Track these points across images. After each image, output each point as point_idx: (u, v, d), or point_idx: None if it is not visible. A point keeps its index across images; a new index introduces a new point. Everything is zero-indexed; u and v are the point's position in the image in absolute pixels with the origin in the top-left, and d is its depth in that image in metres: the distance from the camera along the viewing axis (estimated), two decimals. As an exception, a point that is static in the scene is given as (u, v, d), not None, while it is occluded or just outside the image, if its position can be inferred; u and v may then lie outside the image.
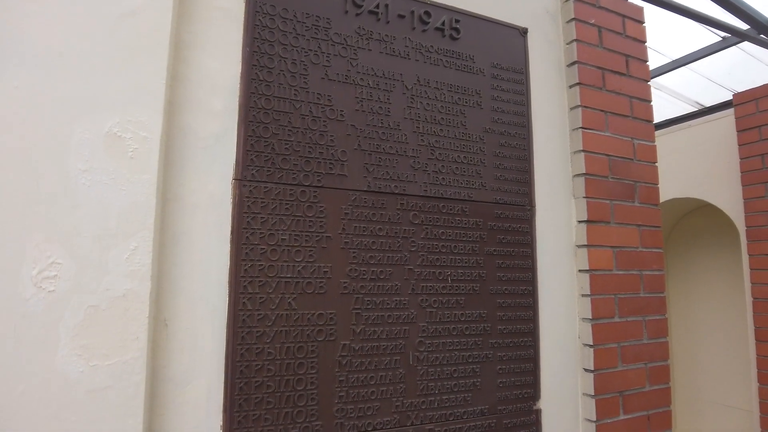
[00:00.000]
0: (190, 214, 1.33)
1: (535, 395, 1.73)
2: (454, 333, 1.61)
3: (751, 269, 3.38)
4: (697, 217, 4.38)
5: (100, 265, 1.16)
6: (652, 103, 2.14)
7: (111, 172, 1.20)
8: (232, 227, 1.36)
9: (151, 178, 1.23)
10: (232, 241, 1.35)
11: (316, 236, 1.44)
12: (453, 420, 1.58)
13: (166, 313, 1.28)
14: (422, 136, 1.64)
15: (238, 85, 1.41)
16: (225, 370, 1.31)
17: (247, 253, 1.36)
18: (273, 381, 1.35)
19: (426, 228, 1.60)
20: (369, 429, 1.45)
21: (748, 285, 3.40)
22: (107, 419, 1.13)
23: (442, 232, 1.63)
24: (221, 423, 1.29)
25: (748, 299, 3.38)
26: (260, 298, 1.36)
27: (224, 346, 1.32)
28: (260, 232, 1.38)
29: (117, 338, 1.16)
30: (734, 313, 3.98)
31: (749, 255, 3.40)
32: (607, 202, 1.92)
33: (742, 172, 3.47)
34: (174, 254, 1.30)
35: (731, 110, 3.61)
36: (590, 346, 1.81)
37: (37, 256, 1.12)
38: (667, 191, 4.01)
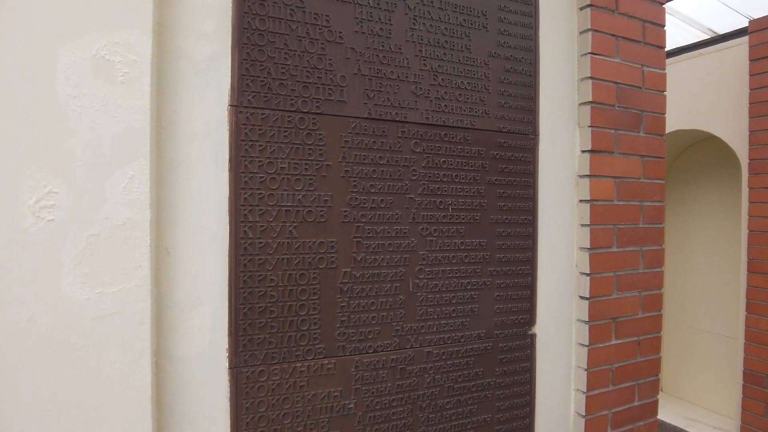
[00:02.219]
0: (186, 142, 1.30)
1: (531, 321, 1.79)
2: (454, 261, 1.63)
3: (749, 202, 3.39)
4: (700, 149, 4.33)
5: (98, 193, 1.15)
6: (665, 28, 2.04)
7: (102, 98, 1.15)
8: (230, 155, 1.33)
9: (143, 104, 1.19)
10: (230, 170, 1.33)
11: (316, 164, 1.42)
12: (451, 343, 1.63)
13: (168, 241, 1.28)
14: (425, 60, 1.57)
15: (231, 5, 1.34)
16: (228, 297, 1.33)
17: (246, 181, 1.34)
18: (276, 306, 1.38)
19: (427, 156, 1.58)
20: (370, 351, 1.50)
21: (745, 218, 3.42)
22: (116, 344, 1.16)
23: (444, 160, 1.60)
24: (227, 346, 1.33)
25: (744, 231, 3.41)
26: (261, 226, 1.36)
27: (227, 274, 1.33)
28: (259, 161, 1.35)
29: (120, 266, 1.17)
30: (728, 246, 4.04)
31: (749, 188, 3.39)
32: (612, 131, 1.88)
33: (750, 104, 3.39)
34: (172, 183, 1.28)
35: (745, 38, 3.47)
36: (587, 274, 1.84)
37: (33, 185, 1.10)
38: (671, 122, 3.93)
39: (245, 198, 1.34)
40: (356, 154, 1.47)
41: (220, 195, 1.33)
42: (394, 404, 1.54)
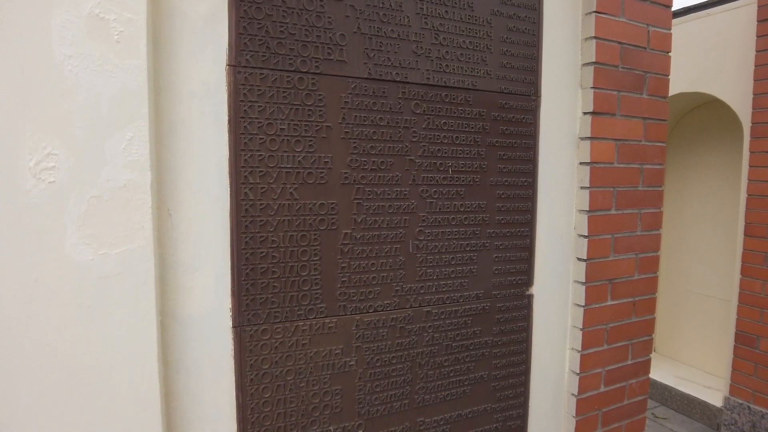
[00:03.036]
0: (185, 103, 1.29)
1: (529, 281, 1.81)
2: (454, 223, 1.64)
3: (750, 166, 3.38)
4: (702, 112, 4.29)
5: (98, 155, 1.15)
6: (672, -15, 1.99)
7: (98, 58, 1.14)
8: (229, 116, 1.32)
9: (140, 64, 1.18)
10: (230, 131, 1.33)
11: (316, 126, 1.41)
12: (450, 303, 1.66)
13: (169, 203, 1.28)
14: (426, 18, 1.54)
15: (226, -41, 1.30)
16: (231, 257, 1.35)
17: (245, 143, 1.34)
18: (278, 267, 1.40)
19: (428, 118, 1.56)
20: (370, 311, 1.53)
21: (744, 182, 3.42)
22: (121, 304, 1.19)
23: (444, 122, 1.59)
24: (230, 306, 1.36)
25: (743, 196, 3.42)
26: (261, 188, 1.36)
27: (228, 235, 1.34)
28: (258, 122, 1.35)
29: (122, 227, 1.18)
30: (726, 210, 4.06)
31: (751, 152, 3.38)
32: (615, 93, 1.86)
33: (756, 66, 3.34)
34: (172, 144, 1.28)
35: (754, -4, 3.39)
36: (585, 236, 1.85)
37: (33, 147, 1.09)
38: (674, 85, 3.88)
39: (245, 159, 1.34)
40: (356, 116, 1.46)
41: (220, 156, 1.33)
42: (393, 362, 1.58)
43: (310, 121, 1.41)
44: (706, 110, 4.23)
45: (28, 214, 1.10)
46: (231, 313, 1.36)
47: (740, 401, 3.36)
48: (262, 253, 1.37)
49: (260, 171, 1.36)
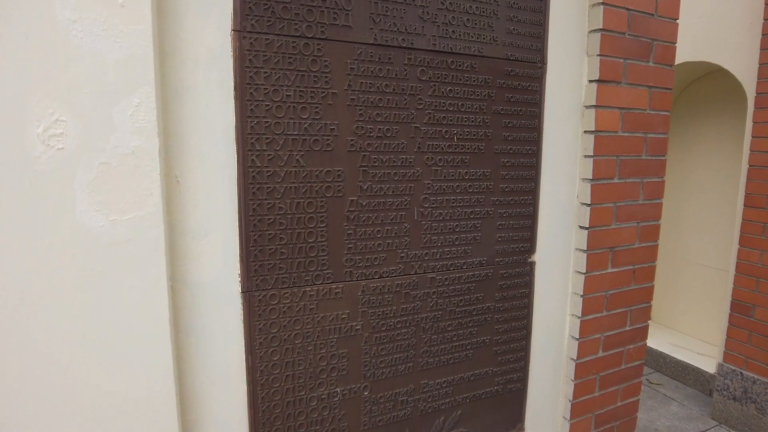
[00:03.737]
0: (190, 69, 1.28)
1: (531, 249, 1.84)
2: (458, 190, 1.65)
3: (752, 137, 3.38)
4: (706, 83, 4.25)
5: (105, 121, 1.15)
6: (681, -51, 1.96)
7: (102, 23, 1.13)
8: (235, 83, 1.32)
9: (145, 29, 1.17)
10: (236, 98, 1.32)
11: (322, 92, 1.41)
12: (453, 270, 1.69)
13: (177, 170, 1.29)
14: (432, -17, 1.52)
15: None
16: (239, 224, 1.36)
17: (252, 109, 1.34)
18: (285, 234, 1.41)
19: (434, 85, 1.56)
20: (375, 277, 1.56)
21: (746, 153, 3.42)
22: (132, 270, 1.21)
23: (450, 89, 1.59)
24: (238, 272, 1.38)
25: (744, 167, 3.42)
26: (268, 155, 1.37)
27: (236, 202, 1.36)
28: (264, 88, 1.34)
29: (132, 194, 1.19)
30: (727, 181, 4.07)
31: (754, 122, 3.37)
32: (621, 60, 1.85)
33: (762, 35, 3.30)
34: (178, 111, 1.28)
35: (764, -38, 3.32)
36: (587, 205, 1.87)
37: (40, 114, 1.09)
38: (678, 54, 3.83)
39: (252, 126, 1.34)
40: (362, 82, 1.46)
41: (226, 123, 1.33)
42: (398, 326, 1.62)
43: (315, 87, 1.40)
44: (710, 80, 4.19)
45: (38, 181, 1.11)
46: (240, 279, 1.39)
47: (733, 368, 3.44)
48: (269, 219, 1.39)
49: (267, 138, 1.36)
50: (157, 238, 1.23)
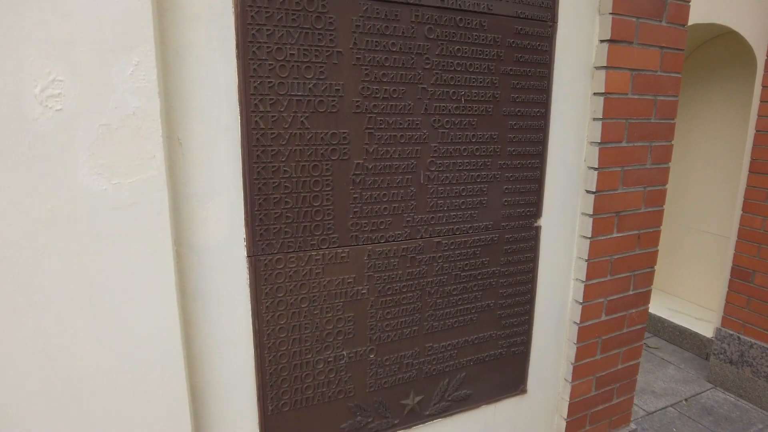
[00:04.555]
0: (190, 27, 1.23)
1: (537, 213, 1.82)
2: (465, 154, 1.62)
3: (761, 101, 3.32)
4: (715, 47, 4.16)
5: (104, 81, 1.11)
6: None
7: (97, -26, 1.08)
8: (237, 41, 1.27)
9: (141, -19, 1.12)
10: (238, 56, 1.28)
11: (327, 51, 1.37)
12: (459, 234, 1.68)
13: (179, 132, 1.26)
14: (441, -65, 1.45)
15: None
16: (243, 187, 1.34)
17: (255, 69, 1.30)
18: (290, 197, 1.39)
19: (441, 44, 1.51)
20: (381, 241, 1.55)
21: (753, 118, 3.37)
22: (137, 233, 1.19)
23: (458, 48, 1.54)
24: (244, 236, 1.37)
25: (751, 132, 3.38)
26: (272, 116, 1.33)
27: (240, 165, 1.33)
28: (267, 46, 1.30)
29: (134, 157, 1.16)
30: (732, 147, 4.02)
31: (763, 87, 3.30)
32: (634, 19, 1.79)
33: (775, -6, 3.20)
34: (179, 70, 1.23)
35: None
36: (595, 168, 1.85)
37: (36, 73, 1.06)
38: (690, 16, 3.73)
39: (255, 87, 1.30)
40: (368, 41, 1.41)
41: (228, 84, 1.29)
42: (404, 290, 1.62)
43: (320, 46, 1.36)
44: (718, 44, 4.10)
45: (38, 143, 1.08)
46: (245, 243, 1.38)
47: (731, 332, 3.48)
48: (274, 183, 1.37)
49: (270, 99, 1.32)
50: (161, 201, 1.21)
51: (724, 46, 4.05)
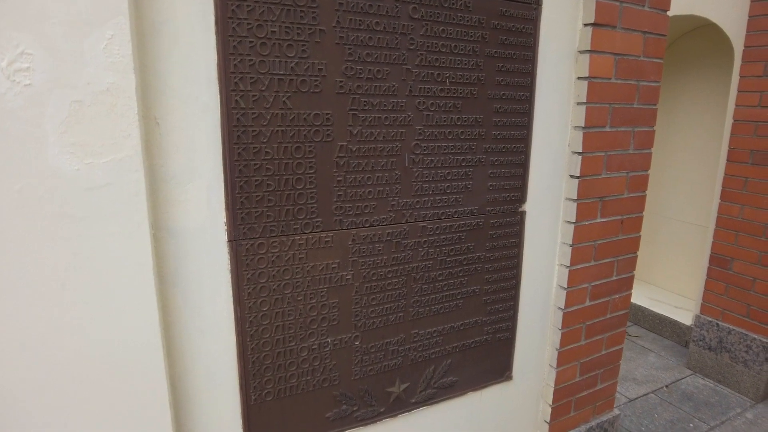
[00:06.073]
0: (168, 0, 1.19)
1: (522, 198, 1.81)
2: (450, 137, 1.60)
3: (738, 91, 3.36)
4: (694, 38, 4.21)
5: (76, 56, 1.06)
6: None
7: (68, -59, 1.03)
8: (217, 16, 1.23)
9: (113, -48, 1.07)
10: (217, 33, 1.24)
11: (309, 29, 1.33)
12: (444, 218, 1.66)
13: (156, 111, 1.21)
14: None
15: None
16: (223, 169, 1.30)
17: (234, 46, 1.25)
18: (272, 180, 1.36)
19: (426, 24, 1.48)
20: (366, 225, 1.52)
21: (731, 108, 3.41)
22: (112, 216, 1.15)
23: (443, 29, 1.51)
24: (224, 219, 1.33)
25: (728, 122, 3.42)
26: (253, 96, 1.29)
27: (220, 146, 1.29)
28: (247, 23, 1.26)
29: (108, 136, 1.12)
30: (710, 136, 4.08)
31: (741, 76, 3.35)
32: (617, 3, 1.78)
33: (753, -14, 3.24)
34: (156, 46, 1.19)
35: None
36: (579, 153, 1.84)
37: (3, 45, 1.00)
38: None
39: (235, 65, 1.26)
40: (351, 19, 1.38)
41: (208, 61, 1.25)
42: (389, 276, 1.59)
43: (302, 23, 1.32)
44: (697, 36, 4.15)
45: (5, 120, 1.03)
46: (226, 227, 1.34)
47: (710, 319, 3.54)
48: (255, 165, 1.33)
49: (251, 77, 1.29)
50: (137, 182, 1.16)
51: (703, 38, 4.10)
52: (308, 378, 1.52)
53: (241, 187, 1.32)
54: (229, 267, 1.36)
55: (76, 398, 1.18)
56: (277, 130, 1.34)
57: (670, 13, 3.66)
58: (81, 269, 1.13)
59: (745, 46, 3.28)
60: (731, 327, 3.41)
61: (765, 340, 3.22)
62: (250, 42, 1.27)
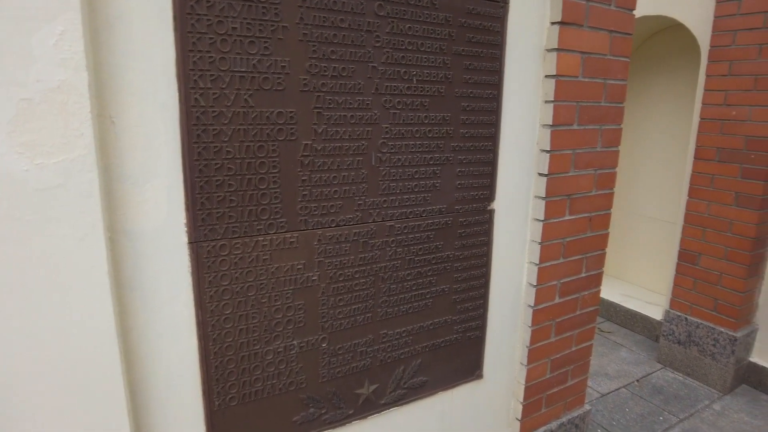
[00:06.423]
0: (122, -6, 1.15)
1: (491, 196, 1.81)
2: (417, 135, 1.59)
3: (704, 90, 3.43)
4: (662, 39, 4.29)
5: (25, 51, 1.01)
6: None
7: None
8: (174, 12, 1.19)
9: (63, -61, 1.02)
10: (176, 29, 1.20)
11: (271, 25, 1.30)
12: (412, 217, 1.65)
13: (111, 109, 1.17)
14: None
15: None
16: (183, 169, 1.26)
17: (194, 42, 1.22)
18: (234, 180, 1.32)
19: (392, 21, 1.46)
20: (332, 225, 1.50)
21: (698, 106, 3.48)
22: (65, 218, 1.10)
23: (409, 26, 1.50)
24: (184, 221, 1.29)
25: (696, 120, 3.49)
26: (213, 93, 1.26)
27: (179, 145, 1.25)
28: (207, 19, 1.22)
29: (59, 135, 1.07)
30: (679, 135, 4.16)
31: (707, 76, 3.42)
32: (584, 2, 1.79)
33: (718, -13, 3.31)
34: (111, 42, 1.14)
35: None
36: (547, 151, 1.85)
37: (-56, 40, 0.96)
38: (638, 9, 3.83)
39: (194, 62, 1.23)
40: (315, 15, 1.35)
41: (166, 58, 1.21)
42: (356, 276, 1.57)
43: (264, 19, 1.29)
44: (667, 35, 4.23)
45: (-53, 118, 0.98)
46: (186, 229, 1.30)
47: (679, 314, 3.61)
48: (216, 164, 1.30)
49: (211, 75, 1.25)
50: (90, 183, 1.12)
51: (672, 38, 4.18)
52: (274, 382, 1.49)
53: (201, 187, 1.29)
54: (189, 269, 1.32)
55: (30, 406, 1.13)
56: (239, 129, 1.31)
57: (639, 14, 3.73)
58: (31, 274, 1.09)
59: (711, 46, 3.35)
60: (699, 321, 3.49)
61: (731, 333, 3.30)
62: (210, 39, 1.24)
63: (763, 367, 3.40)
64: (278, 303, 1.45)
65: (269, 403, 1.50)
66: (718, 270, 3.36)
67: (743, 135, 3.20)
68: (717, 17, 3.32)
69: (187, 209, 1.29)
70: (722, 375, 3.39)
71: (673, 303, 3.67)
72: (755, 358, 3.47)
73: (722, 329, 3.36)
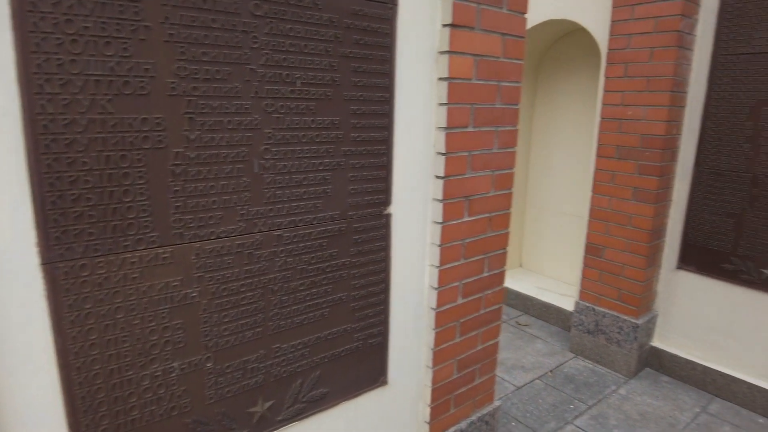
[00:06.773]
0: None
1: (387, 201, 1.79)
2: (304, 140, 1.53)
3: (604, 91, 3.61)
4: (571, 41, 4.48)
5: None
6: None
7: None
8: (13, 8, 1.06)
9: None
10: (14, 27, 1.07)
11: (131, 25, 1.19)
12: (302, 225, 1.58)
13: (-62, 116, 1.03)
14: None
15: None
16: (30, 183, 1.14)
17: (38, 43, 1.09)
18: (93, 193, 1.21)
19: (271, 21, 1.39)
20: (212, 238, 1.41)
21: (599, 106, 3.66)
22: None
23: (291, 27, 1.43)
24: (35, 240, 1.16)
25: (597, 119, 3.67)
26: (63, 99, 1.14)
27: (24, 156, 1.12)
28: (53, 17, 1.10)
29: None
30: (585, 134, 4.37)
31: (606, 77, 3.59)
32: (474, 5, 1.80)
33: (614, -6, 3.48)
34: (-70, 40, 1.00)
35: None
36: (443, 154, 1.85)
37: None
38: (542, 13, 3.98)
39: (38, 64, 1.10)
40: (183, 15, 1.26)
41: (3, 60, 1.08)
42: (242, 290, 1.49)
43: (122, 18, 1.18)
44: (573, 38, 4.42)
45: None
46: (38, 249, 1.17)
47: (587, 304, 3.79)
48: (71, 177, 1.17)
49: (60, 79, 1.13)
50: None
51: (577, 41, 4.37)
52: (153, 408, 1.38)
53: (53, 202, 1.16)
54: (44, 293, 1.19)
55: None
56: (97, 138, 1.19)
57: (545, 18, 3.86)
58: None
59: (609, 49, 3.52)
60: (606, 311, 3.67)
61: (634, 321, 3.49)
62: (58, 39, 1.11)
63: (663, 350, 3.63)
64: (153, 324, 1.35)
65: (149, 430, 1.39)
66: (620, 262, 3.55)
67: (639, 133, 3.39)
68: (614, 21, 3.49)
69: (38, 227, 1.16)
70: (627, 360, 3.59)
71: (582, 294, 3.84)
72: (656, 342, 3.70)
73: (626, 317, 3.55)
